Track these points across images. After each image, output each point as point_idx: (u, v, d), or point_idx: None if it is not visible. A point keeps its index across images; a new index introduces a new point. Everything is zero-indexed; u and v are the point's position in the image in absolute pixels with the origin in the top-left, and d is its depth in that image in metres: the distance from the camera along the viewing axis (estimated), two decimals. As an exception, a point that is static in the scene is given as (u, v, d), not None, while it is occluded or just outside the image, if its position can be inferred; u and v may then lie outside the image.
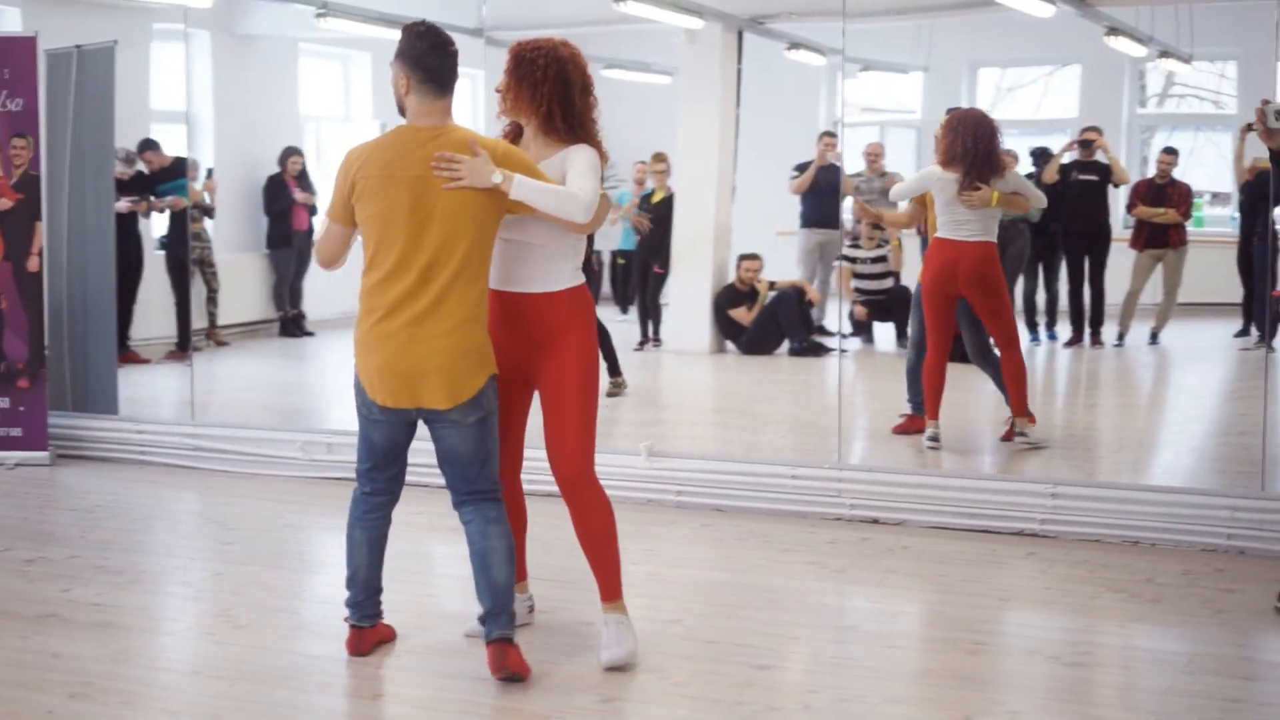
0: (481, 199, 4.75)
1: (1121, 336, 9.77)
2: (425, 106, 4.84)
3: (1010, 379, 7.95)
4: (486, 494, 4.95)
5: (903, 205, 8.77)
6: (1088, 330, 9.80)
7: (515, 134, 5.13)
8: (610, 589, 5.10)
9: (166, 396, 9.96)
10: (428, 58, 4.82)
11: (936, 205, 8.03)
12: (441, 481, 5.02)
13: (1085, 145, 9.50)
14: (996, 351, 8.14)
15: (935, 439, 8.02)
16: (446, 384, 4.78)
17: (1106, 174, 9.52)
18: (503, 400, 5.04)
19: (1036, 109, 12.19)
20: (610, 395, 9.77)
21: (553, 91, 4.95)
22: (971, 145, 7.82)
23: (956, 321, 8.15)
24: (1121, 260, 9.62)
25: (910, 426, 8.35)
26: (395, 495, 5.17)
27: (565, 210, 4.80)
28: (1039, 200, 8.14)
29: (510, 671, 4.85)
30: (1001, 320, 8.00)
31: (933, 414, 8.06)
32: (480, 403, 4.85)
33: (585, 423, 5.02)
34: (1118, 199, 9.69)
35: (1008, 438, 8.03)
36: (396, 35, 4.86)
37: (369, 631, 5.20)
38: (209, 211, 11.47)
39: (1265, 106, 5.14)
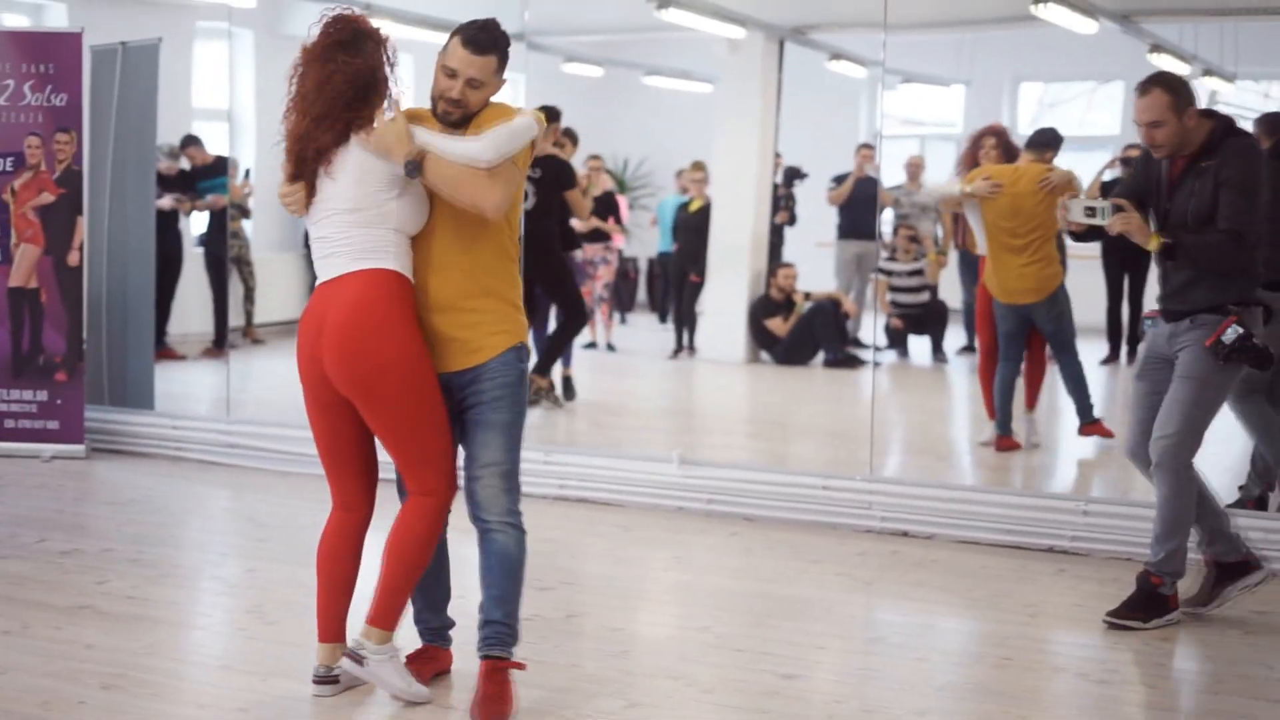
0: None
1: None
2: None
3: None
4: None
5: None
6: (1124, 348, 9.77)
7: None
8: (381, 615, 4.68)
9: (202, 393, 10.03)
10: None
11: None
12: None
13: (1128, 163, 9.46)
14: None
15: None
16: None
17: None
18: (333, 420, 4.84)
19: (1079, 125, 12.17)
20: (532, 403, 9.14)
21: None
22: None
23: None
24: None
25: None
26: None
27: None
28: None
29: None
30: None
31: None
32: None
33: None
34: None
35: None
36: (439, 36, 4.83)
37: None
38: (245, 212, 11.53)
39: (1069, 201, 5.62)
